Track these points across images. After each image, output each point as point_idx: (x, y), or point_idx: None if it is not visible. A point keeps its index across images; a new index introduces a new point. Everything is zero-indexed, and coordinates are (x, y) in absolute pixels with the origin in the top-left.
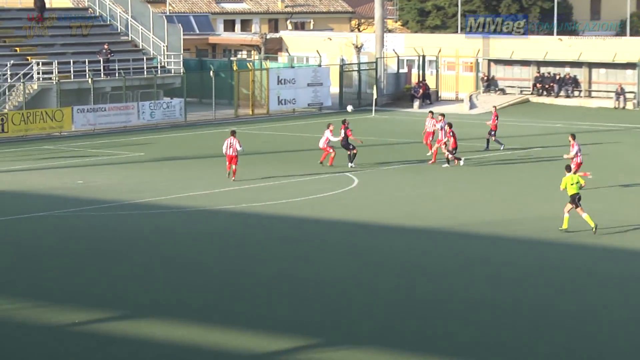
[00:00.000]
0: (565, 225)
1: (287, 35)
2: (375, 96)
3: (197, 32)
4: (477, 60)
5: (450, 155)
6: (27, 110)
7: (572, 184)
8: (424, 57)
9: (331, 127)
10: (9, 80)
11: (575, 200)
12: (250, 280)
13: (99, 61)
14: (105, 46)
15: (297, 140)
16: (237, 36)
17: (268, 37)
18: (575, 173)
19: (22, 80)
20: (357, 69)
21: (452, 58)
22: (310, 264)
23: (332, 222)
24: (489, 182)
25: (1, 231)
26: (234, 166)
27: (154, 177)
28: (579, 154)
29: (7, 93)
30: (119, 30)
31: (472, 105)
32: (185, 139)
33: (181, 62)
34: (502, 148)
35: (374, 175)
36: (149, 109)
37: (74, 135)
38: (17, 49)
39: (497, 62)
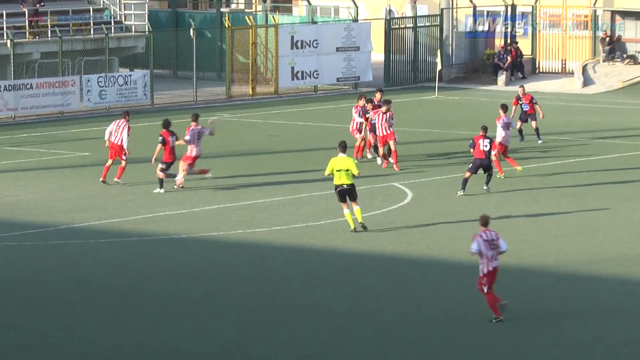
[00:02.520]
0: (351, 224)
1: None
2: (439, 67)
3: None
4: (594, 11)
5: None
6: None
7: (338, 170)
8: (514, 6)
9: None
10: None
11: (337, 192)
12: (239, 345)
13: (23, 14)
14: None
15: (321, 134)
16: None
17: None
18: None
19: None
20: (412, 25)
21: (557, 8)
22: (342, 320)
23: (376, 257)
24: (613, 197)
25: None
26: (123, 162)
27: (104, 188)
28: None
29: None
30: None
31: (587, 81)
32: (151, 130)
33: (146, 16)
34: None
35: (435, 185)
36: (97, 86)
37: None
38: None
39: (626, 14)
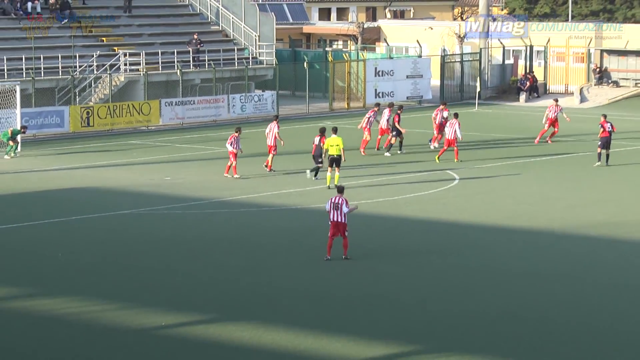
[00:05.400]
0: (327, 182)
1: (386, 24)
2: (478, 89)
3: (291, 21)
4: (588, 50)
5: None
6: (114, 103)
7: (331, 146)
8: (531, 47)
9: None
10: (95, 72)
11: (330, 159)
12: (342, 285)
13: (188, 52)
14: (195, 36)
15: None
16: (332, 25)
17: (365, 26)
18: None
19: (108, 72)
20: (459, 60)
21: (562, 48)
22: (405, 267)
23: (431, 222)
24: (604, 181)
25: (85, 230)
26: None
27: (244, 173)
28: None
29: (92, 85)
30: (209, 20)
31: (583, 99)
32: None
33: (274, 53)
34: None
35: (476, 172)
36: (239, 102)
37: (161, 129)
38: (104, 39)
39: (611, 52)
